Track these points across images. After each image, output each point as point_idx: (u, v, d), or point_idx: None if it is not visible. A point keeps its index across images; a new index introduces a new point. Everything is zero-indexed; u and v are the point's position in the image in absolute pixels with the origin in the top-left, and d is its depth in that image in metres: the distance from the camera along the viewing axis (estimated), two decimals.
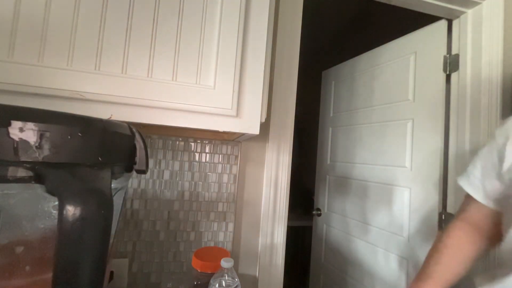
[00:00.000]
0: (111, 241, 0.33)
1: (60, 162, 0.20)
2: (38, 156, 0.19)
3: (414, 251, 1.10)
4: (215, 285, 0.51)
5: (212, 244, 0.77)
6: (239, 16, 0.49)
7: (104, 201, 0.21)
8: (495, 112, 0.90)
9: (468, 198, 0.60)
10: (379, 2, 1.04)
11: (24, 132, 0.19)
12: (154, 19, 0.46)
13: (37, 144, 0.19)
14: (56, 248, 0.18)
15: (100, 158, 0.24)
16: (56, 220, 0.18)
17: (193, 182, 0.76)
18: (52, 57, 0.41)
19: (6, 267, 0.20)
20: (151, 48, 0.45)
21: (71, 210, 0.18)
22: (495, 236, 0.56)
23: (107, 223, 0.21)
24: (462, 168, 0.96)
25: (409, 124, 1.16)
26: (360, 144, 1.40)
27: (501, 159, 0.51)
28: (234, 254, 0.80)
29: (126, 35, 0.44)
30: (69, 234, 0.18)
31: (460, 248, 0.58)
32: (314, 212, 1.70)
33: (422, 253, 1.06)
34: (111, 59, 0.44)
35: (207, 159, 0.77)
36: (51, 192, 0.19)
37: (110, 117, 0.43)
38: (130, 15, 0.45)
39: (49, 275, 0.18)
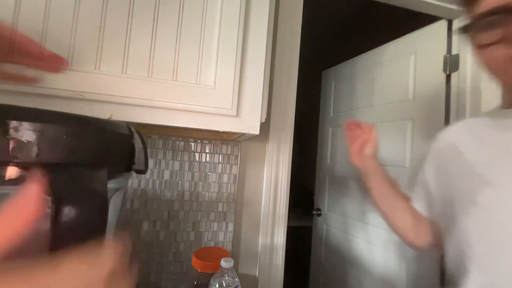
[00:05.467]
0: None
1: (55, 162, 0.20)
2: (33, 156, 0.19)
3: (414, 251, 1.10)
4: (215, 285, 0.51)
5: (212, 244, 0.77)
6: (239, 16, 0.49)
7: (99, 201, 0.21)
8: None
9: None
10: (379, 2, 1.04)
11: (19, 132, 0.18)
12: (154, 19, 0.46)
13: (32, 144, 0.19)
14: (49, 249, 0.18)
15: (96, 158, 0.24)
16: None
17: (193, 182, 0.76)
18: None
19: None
20: (151, 48, 0.45)
21: (65, 211, 0.18)
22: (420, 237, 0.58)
23: (102, 223, 0.21)
24: None
25: (409, 124, 1.15)
26: None
27: (425, 180, 0.55)
28: (234, 254, 0.80)
29: (126, 35, 0.44)
30: (63, 234, 0.18)
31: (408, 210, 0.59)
32: (314, 212, 1.70)
33: (422, 253, 1.06)
34: (111, 59, 0.43)
35: (207, 159, 0.77)
36: (46, 192, 0.19)
37: (110, 117, 0.43)
38: (130, 15, 0.45)
39: None
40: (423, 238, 0.57)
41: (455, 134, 0.52)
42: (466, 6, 0.41)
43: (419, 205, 0.57)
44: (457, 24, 1.05)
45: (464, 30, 0.40)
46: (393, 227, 0.61)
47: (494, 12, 0.35)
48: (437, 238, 0.53)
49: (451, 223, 0.45)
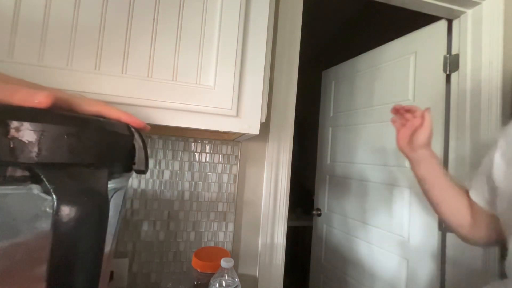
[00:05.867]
0: (112, 241, 0.33)
1: (56, 162, 0.20)
2: (34, 156, 0.19)
3: (414, 251, 1.10)
4: (215, 285, 0.51)
5: (212, 244, 0.77)
6: (239, 16, 0.49)
7: (100, 201, 0.21)
8: (495, 112, 0.90)
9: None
10: (379, 2, 1.04)
11: (20, 132, 0.18)
12: (154, 19, 0.46)
13: (33, 144, 0.19)
14: (50, 249, 0.18)
15: (97, 158, 0.24)
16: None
17: (193, 182, 0.76)
18: (52, 57, 0.41)
19: (1, 268, 0.20)
20: (151, 48, 0.45)
21: (66, 210, 0.18)
22: (477, 231, 0.55)
23: (103, 223, 0.21)
24: (462, 168, 0.96)
25: None
26: (360, 144, 1.40)
27: (491, 167, 0.51)
28: (234, 254, 0.80)
29: (126, 35, 0.44)
30: (64, 234, 0.18)
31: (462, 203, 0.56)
32: (314, 212, 1.70)
33: (422, 253, 1.06)
34: (111, 59, 0.43)
35: (207, 159, 0.77)
36: (47, 192, 0.19)
37: None
38: (130, 15, 0.45)
39: (44, 276, 0.18)
40: (480, 233, 0.54)
41: None
42: None
43: (478, 198, 0.53)
44: (457, 24, 1.05)
45: None
46: (447, 220, 0.57)
47: None
48: (499, 235, 0.49)
49: None
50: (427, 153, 0.58)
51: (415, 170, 0.61)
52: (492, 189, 0.50)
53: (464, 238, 0.56)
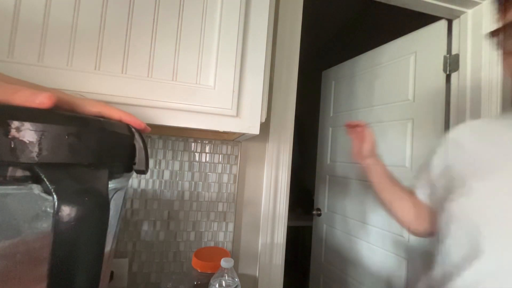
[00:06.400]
0: (112, 241, 0.33)
1: (57, 162, 0.20)
2: (35, 156, 0.19)
3: (414, 251, 1.10)
4: (215, 285, 0.51)
5: (212, 244, 0.77)
6: (239, 16, 0.49)
7: (100, 201, 0.21)
8: (495, 112, 0.90)
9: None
10: (379, 2, 1.04)
11: (21, 132, 0.18)
12: (154, 19, 0.46)
13: (34, 144, 0.19)
14: (51, 248, 0.18)
15: (97, 158, 0.24)
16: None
17: (193, 182, 0.76)
18: (52, 57, 0.41)
19: (1, 268, 0.20)
20: (151, 48, 0.45)
21: (66, 210, 0.18)
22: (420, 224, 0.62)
23: (103, 223, 0.21)
24: None
25: (409, 124, 1.15)
26: None
27: (430, 169, 0.59)
28: (234, 254, 0.80)
29: (126, 35, 0.44)
30: (64, 234, 0.18)
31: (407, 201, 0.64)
32: (314, 212, 1.70)
33: (422, 254, 1.06)
34: (111, 59, 0.43)
35: (207, 159, 0.77)
36: (47, 192, 0.19)
37: None
38: (130, 15, 0.45)
39: (45, 276, 0.18)
40: (424, 226, 0.61)
41: (461, 132, 0.56)
42: (498, 13, 0.44)
43: (423, 196, 0.61)
44: (457, 24, 1.05)
45: (493, 34, 0.44)
46: (396, 218, 0.66)
47: None
48: (435, 226, 0.57)
49: (459, 209, 0.47)
50: (373, 161, 0.69)
51: (367, 176, 0.70)
52: (433, 186, 0.58)
53: (412, 232, 0.65)
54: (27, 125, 0.19)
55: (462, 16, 1.03)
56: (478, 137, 0.51)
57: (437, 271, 0.49)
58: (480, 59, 0.94)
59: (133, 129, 0.31)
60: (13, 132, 0.18)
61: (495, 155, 0.45)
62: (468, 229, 0.43)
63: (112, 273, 0.64)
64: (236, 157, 0.80)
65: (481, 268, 0.40)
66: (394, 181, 0.68)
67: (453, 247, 0.46)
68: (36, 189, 0.20)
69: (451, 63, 1.04)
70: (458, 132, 0.57)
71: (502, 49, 0.44)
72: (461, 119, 0.99)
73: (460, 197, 0.45)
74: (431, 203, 0.59)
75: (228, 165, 0.79)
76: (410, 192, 0.65)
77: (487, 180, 0.43)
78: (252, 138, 0.79)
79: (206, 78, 0.48)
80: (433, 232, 0.60)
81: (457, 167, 0.51)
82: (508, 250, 0.39)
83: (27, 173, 0.19)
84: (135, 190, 0.71)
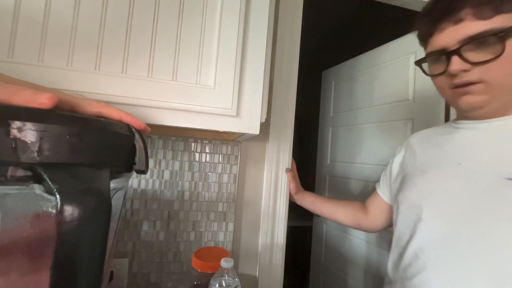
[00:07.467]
0: (112, 241, 0.33)
1: (59, 162, 0.20)
2: (37, 156, 0.19)
3: None
4: (215, 285, 0.51)
5: (212, 244, 0.77)
6: (239, 16, 0.49)
7: (102, 201, 0.21)
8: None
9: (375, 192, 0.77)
10: (379, 2, 1.04)
11: (22, 132, 0.19)
12: (154, 19, 0.46)
13: (35, 144, 0.19)
14: (54, 248, 0.18)
15: (98, 158, 0.24)
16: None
17: (193, 182, 0.76)
18: (52, 57, 0.41)
19: (3, 268, 0.20)
20: (151, 48, 0.45)
21: (69, 210, 0.18)
22: (376, 221, 0.74)
23: (105, 223, 0.21)
24: None
25: (409, 124, 1.16)
26: (360, 144, 1.40)
27: (390, 171, 0.69)
28: (234, 254, 0.80)
29: (126, 35, 0.44)
30: (67, 234, 0.18)
31: (344, 207, 0.80)
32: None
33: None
34: (111, 59, 0.43)
35: (207, 159, 0.77)
36: (49, 192, 0.19)
37: None
38: (130, 15, 0.45)
39: (47, 276, 0.18)
40: (378, 222, 0.73)
41: (414, 139, 0.66)
42: (422, 45, 0.54)
43: (384, 194, 0.71)
44: None
45: (419, 63, 0.54)
46: (346, 225, 0.80)
47: (436, 52, 0.48)
48: (391, 220, 0.67)
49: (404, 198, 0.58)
50: (299, 197, 0.85)
51: (305, 207, 0.86)
52: (391, 187, 0.68)
53: (364, 230, 0.79)
54: (28, 125, 0.19)
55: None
56: (424, 143, 0.61)
57: (394, 250, 0.59)
58: None
59: (133, 129, 0.32)
60: (15, 132, 0.18)
61: (434, 156, 0.56)
62: (412, 209, 0.54)
63: (112, 273, 0.64)
64: (236, 157, 0.80)
65: (422, 235, 0.50)
66: (327, 199, 0.84)
67: (402, 225, 0.57)
68: (37, 189, 0.20)
69: None
70: (413, 139, 0.66)
71: (429, 73, 0.53)
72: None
73: (407, 191, 0.57)
74: (390, 201, 0.69)
75: (228, 165, 0.79)
76: (347, 201, 0.81)
77: (427, 175, 0.54)
78: (252, 138, 0.79)
79: (206, 78, 0.48)
80: (389, 225, 0.71)
81: (408, 169, 0.61)
82: (441, 218, 0.49)
83: (29, 173, 0.19)
84: (135, 190, 0.71)
